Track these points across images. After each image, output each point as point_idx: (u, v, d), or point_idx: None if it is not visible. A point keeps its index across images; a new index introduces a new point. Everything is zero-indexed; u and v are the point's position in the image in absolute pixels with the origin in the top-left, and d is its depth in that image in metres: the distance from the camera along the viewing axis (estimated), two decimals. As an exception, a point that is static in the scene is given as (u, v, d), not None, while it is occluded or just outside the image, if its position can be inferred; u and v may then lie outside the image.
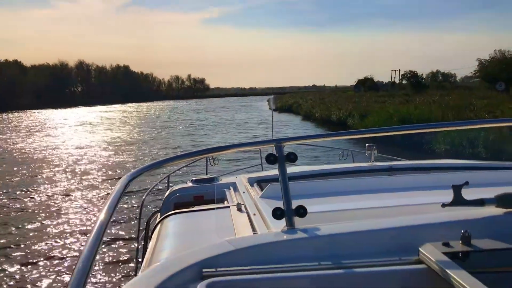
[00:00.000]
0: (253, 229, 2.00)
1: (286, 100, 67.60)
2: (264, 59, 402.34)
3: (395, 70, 75.58)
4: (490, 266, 1.44)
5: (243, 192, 2.80)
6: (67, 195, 12.93)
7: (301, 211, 1.68)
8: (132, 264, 7.33)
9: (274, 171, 3.18)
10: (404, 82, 70.54)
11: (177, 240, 2.17)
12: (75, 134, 33.47)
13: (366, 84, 73.87)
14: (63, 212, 11.14)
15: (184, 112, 65.44)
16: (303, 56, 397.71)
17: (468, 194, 1.70)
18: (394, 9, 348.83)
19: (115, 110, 70.90)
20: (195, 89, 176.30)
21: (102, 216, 1.41)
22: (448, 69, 63.19)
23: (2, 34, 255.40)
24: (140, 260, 3.49)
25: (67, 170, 17.34)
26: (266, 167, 4.62)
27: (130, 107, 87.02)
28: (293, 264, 1.42)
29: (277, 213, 1.69)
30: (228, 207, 2.55)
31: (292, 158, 1.76)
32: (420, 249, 1.48)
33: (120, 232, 9.26)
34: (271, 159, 1.76)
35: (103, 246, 8.26)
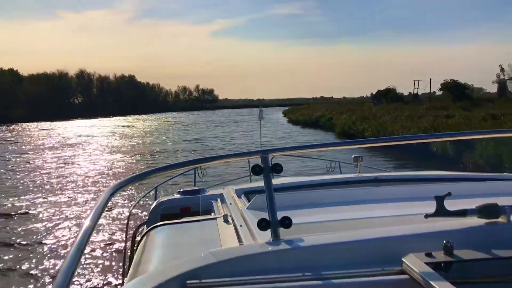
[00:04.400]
0: (240, 241, 1.99)
1: (307, 112, 60.46)
2: (271, 71, 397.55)
3: (418, 81, 69.00)
4: (472, 276, 1.46)
5: (230, 204, 2.79)
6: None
7: (286, 222, 1.70)
8: (119, 276, 7.07)
9: (261, 182, 2.83)
10: (436, 92, 63.95)
11: (162, 252, 2.15)
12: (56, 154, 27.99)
13: (389, 95, 67.46)
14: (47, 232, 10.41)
15: (193, 127, 58.96)
16: (310, 67, 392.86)
17: (451, 205, 1.73)
18: (399, 21, 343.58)
19: (108, 125, 64.05)
20: (203, 100, 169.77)
21: (85, 226, 1.39)
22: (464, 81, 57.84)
23: (6, 46, 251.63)
24: (126, 271, 3.29)
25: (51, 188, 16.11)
26: (255, 179, 4.60)
27: (126, 120, 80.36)
28: (277, 275, 1.44)
29: (262, 224, 1.70)
30: (215, 218, 2.54)
31: (277, 169, 1.80)
32: (403, 259, 1.50)
33: (108, 244, 9.23)
34: (256, 170, 1.77)
35: (89, 257, 8.36)
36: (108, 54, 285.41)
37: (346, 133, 32.78)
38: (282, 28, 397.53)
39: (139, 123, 68.34)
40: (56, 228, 10.83)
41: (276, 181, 3.61)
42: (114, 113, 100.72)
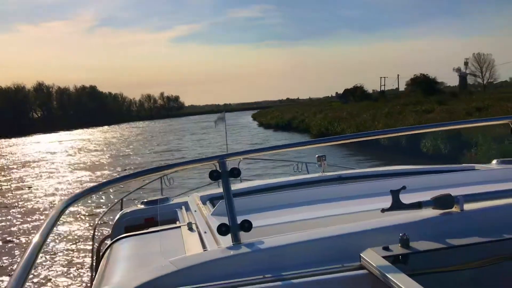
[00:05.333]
0: (204, 247, 1.98)
1: (278, 115, 58.49)
2: (235, 75, 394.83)
3: (384, 77, 68.96)
4: (429, 266, 1.50)
5: (195, 211, 2.77)
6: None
7: (246, 226, 1.70)
8: None
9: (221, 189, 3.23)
10: (403, 88, 64.15)
11: (125, 264, 2.13)
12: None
13: (357, 93, 66.71)
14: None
15: (160, 136, 55.80)
16: (274, 70, 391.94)
17: (408, 198, 1.76)
18: (358, 20, 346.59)
19: (68, 140, 61.62)
20: (169, 108, 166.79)
21: (33, 243, 1.37)
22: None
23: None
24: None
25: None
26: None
27: (88, 133, 76.83)
28: (239, 280, 1.44)
29: (222, 229, 1.70)
30: (179, 227, 2.52)
31: (235, 173, 1.78)
32: (361, 255, 1.51)
33: (75, 259, 9.19)
34: (214, 176, 1.76)
35: (57, 274, 8.37)
36: (68, 65, 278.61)
37: (324, 134, 31.05)
38: (244, 32, 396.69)
39: (101, 135, 65.22)
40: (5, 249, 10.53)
41: (242, 185, 3.82)
42: (76, 125, 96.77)
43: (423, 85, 55.37)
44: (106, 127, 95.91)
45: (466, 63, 60.39)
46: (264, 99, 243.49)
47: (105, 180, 1.90)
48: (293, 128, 43.32)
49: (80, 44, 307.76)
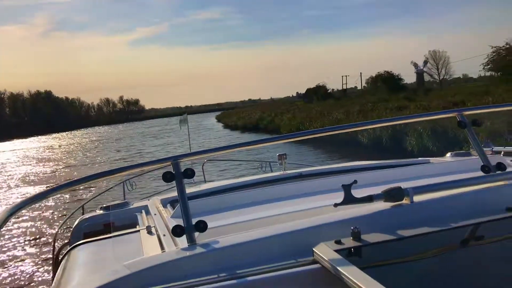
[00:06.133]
0: (162, 250, 1.96)
1: (243, 115, 56.98)
2: (197, 77, 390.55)
3: (346, 76, 69.49)
4: (380, 259, 1.53)
5: (155, 214, 2.73)
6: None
7: (201, 226, 1.70)
8: None
9: (190, 189, 3.39)
10: (365, 86, 64.44)
11: (82, 271, 2.10)
12: None
13: (320, 92, 66.46)
14: None
15: (120, 142, 53.15)
16: (235, 71, 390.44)
17: (363, 193, 1.80)
18: (318, 20, 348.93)
19: (21, 148, 57.95)
20: (129, 112, 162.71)
21: None
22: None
23: None
24: None
25: None
26: (188, 186, 4.37)
27: (44, 140, 73.03)
28: (193, 280, 1.44)
29: (177, 231, 1.69)
30: (138, 231, 2.48)
31: (189, 174, 1.79)
32: (314, 249, 1.53)
33: (34, 267, 9.13)
34: (167, 177, 1.76)
35: (12, 282, 8.20)
36: (22, 71, 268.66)
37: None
38: (205, 33, 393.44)
39: (57, 143, 61.78)
40: None
41: (205, 186, 3.97)
42: (31, 133, 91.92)
43: (388, 82, 55.48)
44: (63, 133, 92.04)
45: (425, 62, 61.58)
46: (226, 101, 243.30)
47: (51, 187, 1.84)
48: (261, 129, 41.98)
49: (34, 49, 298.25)
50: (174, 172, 1.77)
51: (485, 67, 42.63)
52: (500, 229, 1.70)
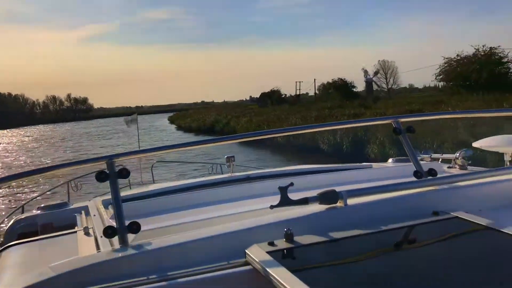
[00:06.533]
0: (98, 251, 1.94)
1: (198, 117, 55.54)
2: (148, 77, 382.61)
3: (299, 82, 70.85)
4: (312, 261, 1.54)
5: (94, 215, 2.68)
6: None
7: (135, 228, 1.67)
8: None
9: (135, 190, 3.54)
10: (317, 92, 65.57)
11: (10, 273, 2.01)
12: None
13: (274, 97, 66.92)
14: None
15: (67, 142, 50.61)
16: (188, 72, 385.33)
17: (301, 196, 1.82)
18: (268, 26, 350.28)
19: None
20: (76, 110, 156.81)
21: None
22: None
23: None
24: None
25: None
26: (134, 187, 4.77)
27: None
28: (122, 282, 1.42)
29: (108, 232, 1.67)
30: (75, 232, 2.44)
31: (124, 174, 1.76)
32: (246, 251, 1.54)
33: None
34: (101, 177, 1.73)
35: None
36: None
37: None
38: (156, 33, 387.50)
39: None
40: None
41: (152, 186, 4.04)
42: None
43: (342, 89, 56.37)
44: (4, 131, 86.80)
45: (376, 72, 63.26)
46: (178, 102, 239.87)
47: None
48: (217, 132, 40.85)
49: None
50: (108, 172, 1.74)
51: (437, 77, 43.96)
52: (426, 232, 1.79)
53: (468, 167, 2.97)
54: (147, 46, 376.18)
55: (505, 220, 1.79)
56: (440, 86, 49.59)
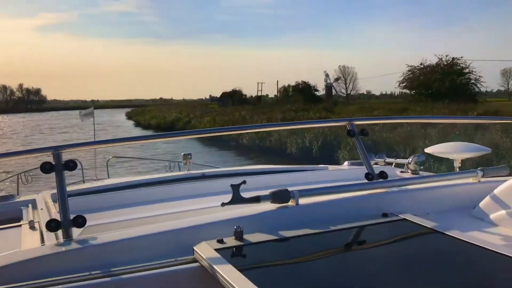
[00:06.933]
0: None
1: (158, 115, 53.96)
2: (105, 70, 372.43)
3: (261, 83, 70.99)
4: (260, 259, 1.54)
5: (41, 209, 2.64)
6: None
7: (80, 221, 1.65)
8: None
9: (85, 185, 3.58)
10: (276, 95, 66.64)
11: None
12: None
13: (235, 97, 66.48)
14: None
15: (17, 135, 48.05)
16: (147, 68, 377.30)
17: (255, 194, 1.82)
18: (234, 26, 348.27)
19: None
20: (28, 101, 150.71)
21: None
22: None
23: None
24: None
25: None
26: (90, 181, 4.65)
27: None
28: (63, 277, 1.39)
29: (52, 225, 1.63)
30: (20, 225, 2.37)
31: (71, 166, 1.72)
32: (194, 248, 1.53)
33: None
34: (46, 168, 1.69)
35: None
36: None
37: (218, 139, 28.11)
38: (117, 27, 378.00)
39: None
40: None
41: (108, 181, 3.96)
42: None
43: (305, 92, 56.47)
44: None
45: (337, 78, 64.30)
46: (136, 98, 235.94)
47: None
48: (178, 130, 39.79)
49: None
50: (54, 163, 1.69)
51: (400, 85, 44.59)
52: (375, 233, 1.80)
53: (420, 172, 3.02)
54: (107, 39, 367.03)
55: (450, 223, 1.89)
56: (396, 94, 50.84)
